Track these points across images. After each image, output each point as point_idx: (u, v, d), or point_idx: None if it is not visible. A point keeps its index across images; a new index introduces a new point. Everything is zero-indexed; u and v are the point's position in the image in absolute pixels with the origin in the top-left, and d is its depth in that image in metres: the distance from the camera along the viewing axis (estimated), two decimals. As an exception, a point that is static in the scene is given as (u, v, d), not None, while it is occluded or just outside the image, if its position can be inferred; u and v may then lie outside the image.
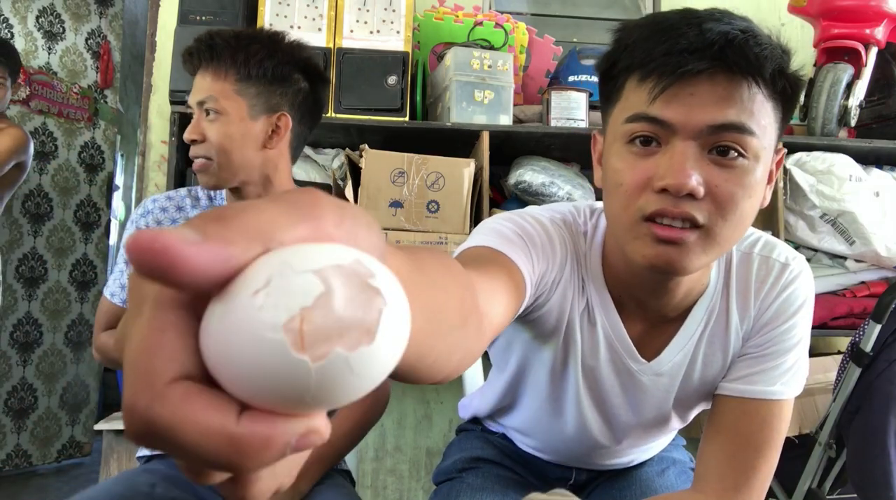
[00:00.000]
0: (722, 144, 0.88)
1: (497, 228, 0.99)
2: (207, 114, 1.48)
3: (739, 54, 0.85)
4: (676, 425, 1.25)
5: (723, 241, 0.91)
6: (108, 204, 4.43)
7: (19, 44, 3.76)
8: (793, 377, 1.06)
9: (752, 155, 0.89)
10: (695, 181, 0.86)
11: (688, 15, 0.89)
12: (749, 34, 0.86)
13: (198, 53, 1.48)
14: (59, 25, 4.02)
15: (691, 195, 0.87)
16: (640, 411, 1.18)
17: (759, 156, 0.89)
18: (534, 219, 1.04)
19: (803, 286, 1.07)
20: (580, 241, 1.09)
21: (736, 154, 0.88)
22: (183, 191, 1.67)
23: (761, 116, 0.88)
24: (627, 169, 0.92)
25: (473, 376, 1.89)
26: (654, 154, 0.90)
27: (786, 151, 1.01)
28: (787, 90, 0.91)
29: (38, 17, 3.91)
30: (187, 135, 1.47)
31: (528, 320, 1.10)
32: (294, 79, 1.54)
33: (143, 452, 1.61)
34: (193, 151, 1.49)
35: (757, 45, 0.85)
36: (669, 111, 0.88)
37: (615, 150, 0.95)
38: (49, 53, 3.99)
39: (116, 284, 1.64)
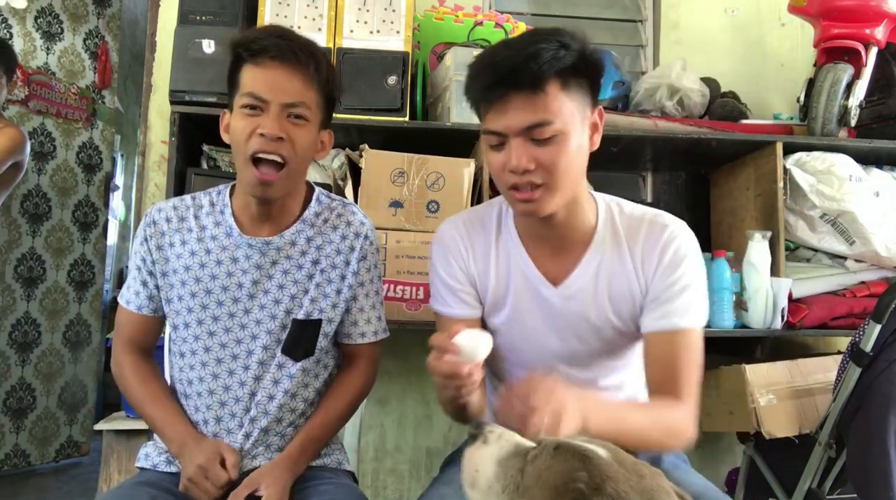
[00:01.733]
0: (535, 136, 1.33)
1: (436, 288, 1.60)
2: (289, 117, 1.48)
3: (520, 77, 1.30)
4: (600, 348, 1.53)
5: (562, 186, 1.38)
6: (106, 204, 4.43)
7: (18, 44, 3.76)
8: (687, 311, 1.43)
9: (557, 133, 1.33)
10: (525, 162, 1.33)
11: (495, 51, 1.37)
12: (531, 56, 1.29)
13: (302, 58, 1.47)
14: (57, 26, 4.02)
15: (527, 170, 1.34)
16: (560, 334, 1.52)
17: (565, 131, 1.34)
18: (437, 253, 1.60)
19: (685, 244, 1.46)
20: (486, 220, 1.59)
21: (547, 136, 1.33)
22: (188, 200, 1.65)
23: (557, 106, 1.33)
24: (492, 162, 1.40)
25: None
26: (502, 148, 1.37)
27: (601, 107, 1.45)
28: (579, 75, 1.34)
29: (36, 18, 3.90)
30: (273, 131, 1.45)
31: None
32: (335, 103, 1.65)
33: (143, 464, 1.61)
34: (272, 146, 1.46)
35: (535, 64, 1.29)
36: (496, 124, 1.36)
37: (485, 147, 1.43)
38: (47, 54, 3.98)
39: (131, 291, 1.63)
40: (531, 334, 1.54)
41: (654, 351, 1.45)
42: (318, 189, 1.69)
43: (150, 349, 1.69)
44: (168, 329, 1.65)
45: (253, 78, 1.48)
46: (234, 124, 1.50)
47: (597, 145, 1.44)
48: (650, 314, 1.45)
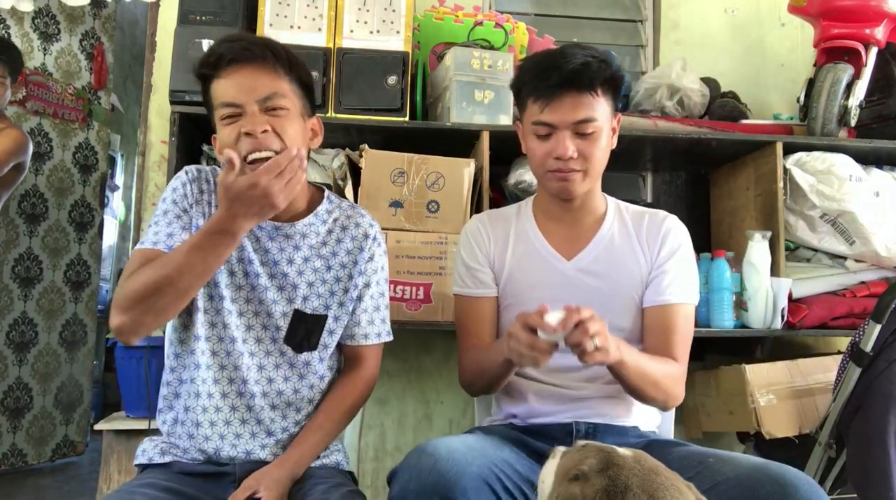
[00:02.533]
0: (581, 131, 1.62)
1: (458, 273, 1.83)
2: (269, 111, 1.49)
3: (580, 80, 1.60)
4: (609, 323, 1.55)
5: (592, 173, 1.68)
6: (102, 204, 4.43)
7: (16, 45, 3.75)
8: (681, 290, 1.71)
9: (597, 130, 1.63)
10: (571, 151, 1.62)
11: (554, 57, 1.63)
12: (585, 65, 1.59)
13: (258, 51, 1.49)
14: (54, 27, 4.01)
15: (571, 158, 1.62)
16: (569, 301, 1.59)
17: (601, 128, 1.64)
18: (463, 241, 1.85)
19: (681, 234, 1.77)
20: (506, 213, 1.88)
21: (590, 131, 1.63)
22: (213, 171, 1.66)
23: (598, 108, 1.63)
24: (538, 148, 1.67)
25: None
26: (549, 138, 1.65)
27: (620, 116, 1.76)
28: (611, 86, 1.65)
29: (34, 19, 3.90)
30: (257, 127, 1.45)
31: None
32: (313, 89, 1.65)
33: (140, 460, 1.60)
34: (261, 142, 1.45)
35: (590, 72, 1.59)
36: (551, 117, 1.63)
37: (529, 136, 1.70)
38: (45, 54, 3.98)
39: (161, 233, 1.53)
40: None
41: (653, 322, 1.71)
42: (326, 190, 1.73)
43: None
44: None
45: (223, 88, 1.50)
46: (220, 137, 1.52)
47: (615, 145, 1.73)
48: (650, 292, 1.72)
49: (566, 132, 1.62)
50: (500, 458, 1.43)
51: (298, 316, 1.61)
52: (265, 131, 1.46)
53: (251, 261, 1.59)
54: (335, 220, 1.68)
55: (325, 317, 1.63)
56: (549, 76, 1.61)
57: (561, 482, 1.01)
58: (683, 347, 1.70)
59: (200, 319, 1.57)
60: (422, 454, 1.34)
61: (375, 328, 1.70)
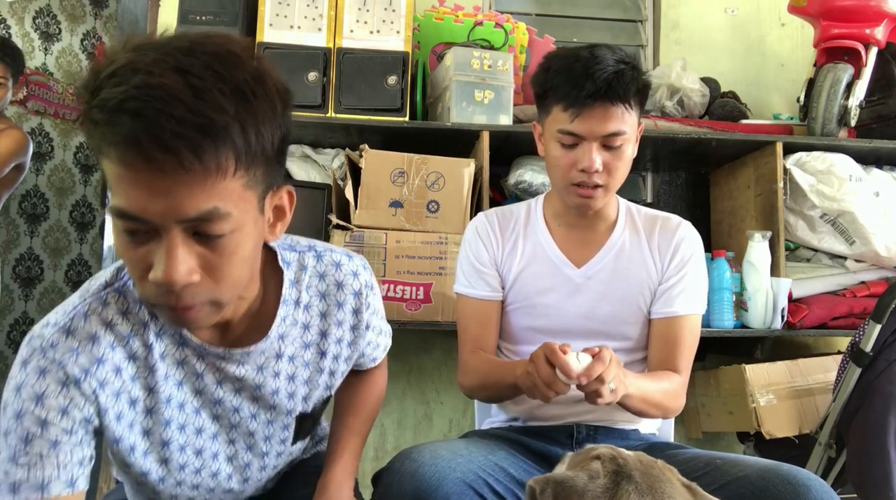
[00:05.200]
0: (608, 143, 1.57)
1: (463, 271, 1.77)
2: (195, 235, 0.92)
3: (614, 92, 1.52)
4: (616, 331, 1.71)
5: (613, 187, 1.63)
6: (103, 204, 4.42)
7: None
8: (690, 301, 1.68)
9: (624, 142, 1.58)
10: (597, 164, 1.56)
11: (586, 62, 1.52)
12: (619, 74, 1.52)
13: (187, 147, 0.84)
14: (55, 26, 4.02)
15: (596, 171, 1.56)
16: (580, 312, 1.70)
17: (628, 140, 1.59)
18: (470, 238, 1.78)
19: (694, 242, 1.72)
20: (516, 212, 1.79)
21: (618, 144, 1.57)
22: (93, 303, 1.09)
23: (628, 120, 1.57)
24: (561, 157, 1.60)
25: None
26: (575, 148, 1.58)
27: (643, 125, 1.69)
28: (641, 96, 1.60)
29: (34, 19, 3.90)
30: (172, 278, 0.90)
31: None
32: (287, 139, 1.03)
33: (119, 476, 1.40)
34: (179, 299, 0.95)
35: (623, 82, 1.52)
36: (579, 127, 1.55)
37: (552, 143, 1.62)
38: (45, 54, 3.98)
39: None
40: (552, 313, 1.71)
41: (659, 333, 1.68)
42: (278, 250, 1.21)
43: None
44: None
45: (119, 184, 0.88)
46: (118, 247, 0.96)
47: (635, 154, 1.66)
48: (658, 303, 1.69)
49: (594, 144, 1.55)
50: (492, 462, 1.42)
51: (302, 417, 1.31)
52: (190, 284, 0.93)
53: (218, 401, 1.19)
54: (308, 288, 1.24)
55: (329, 397, 1.37)
56: (581, 85, 1.51)
57: (580, 461, 1.12)
58: (687, 358, 1.68)
59: (162, 463, 1.19)
60: (405, 458, 1.33)
61: (381, 348, 1.45)
